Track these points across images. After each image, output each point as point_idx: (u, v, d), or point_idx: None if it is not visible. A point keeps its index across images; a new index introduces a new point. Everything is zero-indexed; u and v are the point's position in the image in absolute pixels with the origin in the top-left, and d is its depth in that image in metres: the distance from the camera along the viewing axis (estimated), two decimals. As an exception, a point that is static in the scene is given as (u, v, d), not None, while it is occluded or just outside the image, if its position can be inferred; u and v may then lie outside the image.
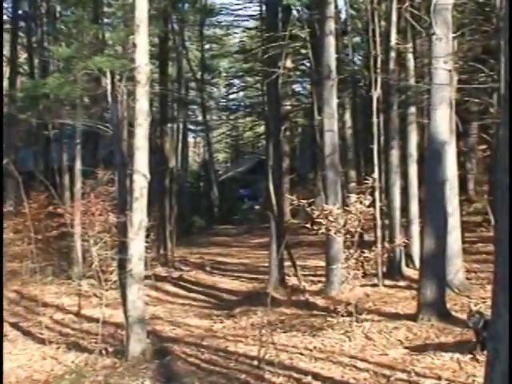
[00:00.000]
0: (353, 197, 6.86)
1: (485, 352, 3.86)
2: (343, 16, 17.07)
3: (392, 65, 10.27)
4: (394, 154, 10.41)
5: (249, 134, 35.90)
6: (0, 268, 7.27)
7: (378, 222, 9.63)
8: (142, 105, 6.49)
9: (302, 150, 37.51)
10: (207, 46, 30.03)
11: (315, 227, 6.80)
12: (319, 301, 8.75)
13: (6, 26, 17.15)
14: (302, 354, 6.10)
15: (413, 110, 10.82)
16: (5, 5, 16.79)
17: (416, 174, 10.58)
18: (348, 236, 6.82)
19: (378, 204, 9.24)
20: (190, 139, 47.07)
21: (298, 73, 24.53)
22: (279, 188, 10.80)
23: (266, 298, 6.45)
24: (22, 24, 18.82)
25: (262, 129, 31.07)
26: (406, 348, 6.09)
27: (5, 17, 16.86)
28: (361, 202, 6.71)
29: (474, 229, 13.22)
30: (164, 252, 14.07)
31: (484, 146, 16.94)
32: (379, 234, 9.61)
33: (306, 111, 25.76)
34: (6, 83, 16.85)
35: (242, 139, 36.40)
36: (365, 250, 6.80)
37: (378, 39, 10.03)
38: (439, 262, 7.09)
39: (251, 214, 28.30)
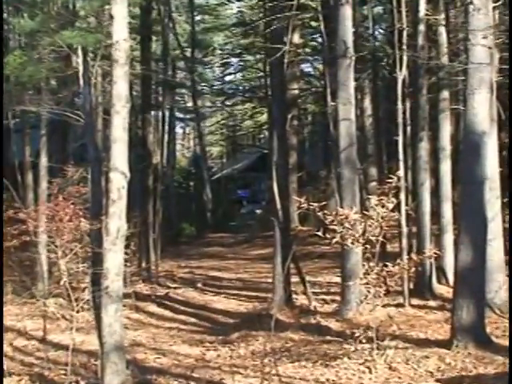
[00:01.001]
0: (373, 199, 6.85)
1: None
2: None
3: (421, 40, 10.27)
4: (423, 148, 10.42)
5: (248, 124, 35.93)
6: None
7: (404, 230, 9.64)
8: (120, 88, 6.49)
9: (312, 143, 37.60)
10: (198, 18, 30.06)
11: (328, 235, 6.80)
12: (333, 324, 8.75)
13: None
14: (312, 387, 6.11)
15: (446, 94, 10.82)
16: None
17: (449, 172, 10.59)
18: (368, 246, 6.81)
19: (403, 208, 9.25)
20: (178, 130, 47.28)
21: (307, 50, 24.53)
22: (285, 188, 10.81)
23: (269, 321, 6.45)
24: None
25: (264, 117, 31.13)
26: (438, 381, 6.08)
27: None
28: (383, 206, 6.70)
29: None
30: (147, 265, 14.09)
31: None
32: (405, 243, 9.62)
33: (317, 96, 25.79)
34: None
35: (240, 130, 36.45)
36: (388, 263, 6.80)
37: (403, 9, 9.98)
38: (477, 277, 7.08)
39: (251, 220, 28.35)
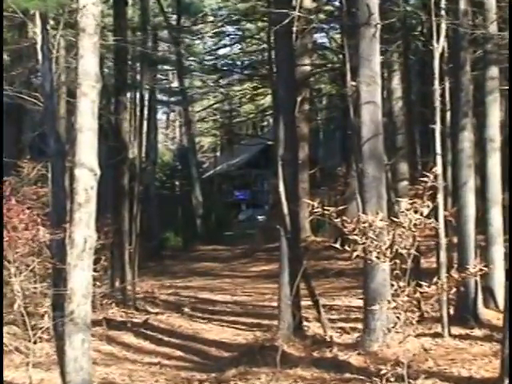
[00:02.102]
0: (404, 202, 6.85)
1: None
2: None
3: (463, 4, 10.27)
4: (466, 139, 10.40)
5: (248, 109, 36.00)
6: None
7: (442, 241, 9.62)
8: (88, 64, 6.50)
9: (327, 133, 37.71)
10: (186, -24, 30.11)
11: (348, 248, 6.79)
12: (354, 359, 8.74)
13: None
14: None
15: (494, 71, 10.80)
16: None
17: (499, 169, 10.58)
18: (397, 261, 6.81)
19: (441, 213, 9.24)
20: (161, 116, 47.51)
21: (321, 16, 24.49)
22: (294, 189, 10.81)
23: (274, 355, 6.45)
24: None
25: (267, 100, 31.20)
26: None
27: None
28: (416, 211, 6.69)
29: None
30: (121, 285, 14.11)
31: None
32: (444, 257, 9.61)
33: (333, 74, 25.84)
34: None
35: (237, 116, 36.50)
36: (422, 283, 6.80)
37: (441, -35, 10.01)
38: (534, 300, 7.07)
39: (251, 229, 28.44)
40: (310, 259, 17.32)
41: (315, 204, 6.79)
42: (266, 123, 44.32)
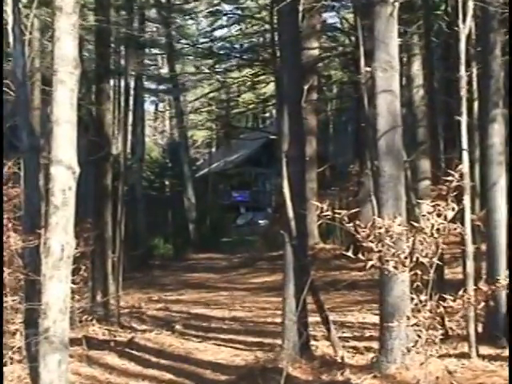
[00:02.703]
0: (426, 205, 6.84)
1: None
2: None
3: (492, -21, 10.25)
4: (497, 132, 10.39)
5: (248, 98, 35.95)
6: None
7: (469, 248, 9.61)
8: (66, 48, 6.49)
9: (338, 126, 37.70)
10: None
11: (362, 256, 6.79)
12: (368, 382, 8.73)
13: None
14: None
15: (528, 55, 10.80)
16: None
17: (534, 166, 10.57)
18: (418, 272, 6.81)
19: (468, 217, 9.24)
20: (149, 107, 47.50)
21: (331, -8, 24.55)
22: (300, 190, 10.81)
23: (277, 378, 6.44)
24: None
25: (270, 89, 31.21)
26: None
27: None
28: (439, 214, 6.68)
29: None
30: (104, 299, 14.10)
31: None
32: (471, 267, 9.60)
33: (345, 59, 25.82)
34: None
35: (236, 106, 36.50)
36: (446, 296, 6.79)
37: None
38: None
39: (252, 235, 28.45)
40: (319, 269, 17.35)
41: (324, 206, 6.79)
42: (268, 114, 44.35)
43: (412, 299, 6.93)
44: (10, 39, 8.08)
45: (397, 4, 9.29)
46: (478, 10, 10.31)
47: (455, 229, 6.98)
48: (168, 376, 10.41)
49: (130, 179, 23.12)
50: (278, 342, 10.28)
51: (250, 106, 35.56)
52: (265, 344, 11.15)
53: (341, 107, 33.94)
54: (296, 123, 10.77)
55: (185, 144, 30.52)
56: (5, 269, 7.76)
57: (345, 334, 11.13)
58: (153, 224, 26.42)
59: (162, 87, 35.43)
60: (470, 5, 9.89)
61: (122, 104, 20.04)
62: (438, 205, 6.72)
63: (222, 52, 31.29)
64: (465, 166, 8.65)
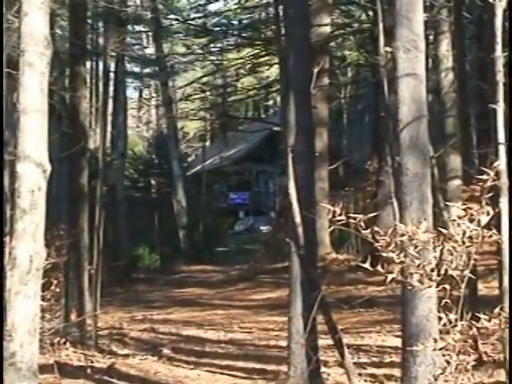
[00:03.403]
0: (456, 208, 6.84)
1: None
2: None
3: None
4: (539, 123, 10.40)
5: (247, 83, 35.99)
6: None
7: (506, 259, 9.60)
8: (35, 25, 6.50)
9: (354, 116, 37.69)
10: None
11: (381, 269, 6.80)
12: (389, 416, 8.75)
13: None
14: None
15: None
16: None
17: None
18: (446, 286, 6.80)
19: (505, 223, 9.21)
20: (131, 93, 47.39)
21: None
22: (309, 190, 10.81)
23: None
24: None
25: (273, 72, 31.20)
26: None
27: None
28: (472, 220, 6.68)
29: None
30: (79, 318, 14.11)
31: None
32: (507, 282, 9.58)
33: (361, 37, 25.82)
34: None
35: (233, 93, 36.53)
36: (480, 315, 6.79)
37: None
38: None
39: (252, 243, 28.44)
40: (331, 284, 17.36)
41: (337, 210, 6.79)
42: (271, 102, 44.35)
43: (440, 319, 6.92)
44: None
45: (422, -27, 9.32)
46: (517, -21, 10.32)
47: (490, 236, 6.98)
48: (154, 408, 10.42)
49: (109, 178, 23.11)
50: (284, 368, 10.28)
51: (251, 93, 35.64)
52: (268, 371, 11.15)
53: (356, 94, 33.96)
54: (304, 113, 10.78)
55: (174, 137, 30.49)
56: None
57: (361, 360, 11.12)
58: (137, 231, 26.40)
59: (147, 70, 35.43)
60: (508, -26, 9.91)
61: (101, 90, 20.11)
62: (470, 208, 6.71)
63: (217, 29, 31.24)
64: (502, 163, 8.62)
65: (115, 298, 17.97)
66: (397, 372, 9.56)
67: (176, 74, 34.69)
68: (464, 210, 6.72)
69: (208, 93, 36.11)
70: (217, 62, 33.36)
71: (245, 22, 32.12)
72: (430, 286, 6.85)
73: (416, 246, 6.72)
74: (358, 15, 27.09)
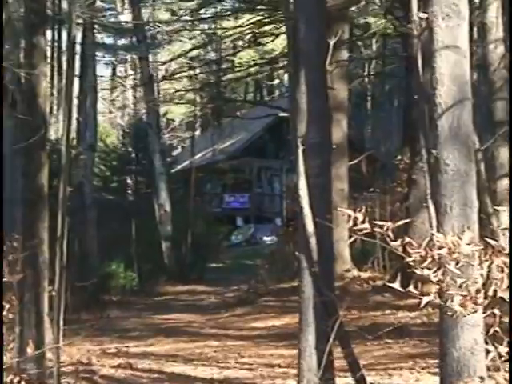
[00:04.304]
0: (507, 213, 6.85)
1: None
2: None
3: None
4: None
5: (248, 58, 36.01)
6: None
7: None
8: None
9: (380, 99, 37.62)
10: None
11: (414, 290, 6.81)
12: None
13: None
14: None
15: None
16: None
17: None
18: (495, 312, 6.82)
19: None
20: (102, 70, 47.25)
21: None
22: (324, 192, 10.83)
23: None
24: None
25: (279, 44, 31.17)
26: None
27: None
28: (528, 228, 6.70)
29: None
30: (37, 352, 14.11)
31: None
32: None
33: (389, 0, 25.80)
34: None
35: (229, 70, 36.55)
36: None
37: None
38: None
39: (253, 257, 28.43)
40: (351, 308, 17.34)
41: (359, 216, 6.79)
42: (276, 82, 44.37)
43: (487, 352, 6.94)
44: None
45: None
46: None
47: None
48: None
49: (76, 176, 23.13)
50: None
51: (251, 70, 35.57)
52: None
53: (383, 71, 33.97)
54: (318, 95, 10.79)
55: (156, 125, 30.46)
56: None
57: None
58: (109, 242, 26.40)
59: (122, 42, 35.47)
60: None
61: (64, 67, 20.10)
62: (526, 215, 6.74)
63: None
64: None
65: (82, 326, 17.94)
66: (434, 418, 9.59)
67: (158, 46, 34.63)
68: (518, 216, 6.75)
69: (198, 70, 36.10)
70: (209, 31, 33.37)
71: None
72: (475, 311, 6.86)
73: (458, 262, 6.73)
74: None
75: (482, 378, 7.03)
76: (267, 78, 40.70)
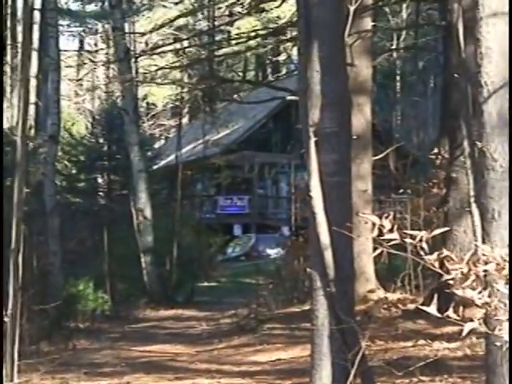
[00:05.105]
0: None
1: None
2: None
3: None
4: None
5: (247, 28, 36.05)
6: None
7: None
8: None
9: (411, 79, 37.68)
10: None
11: (453, 314, 6.84)
12: None
13: None
14: None
15: None
16: None
17: None
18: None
19: None
20: (67, 43, 47.08)
21: None
22: (341, 193, 10.85)
23: None
24: None
25: (286, 10, 31.22)
26: None
27: None
28: None
29: None
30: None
31: None
32: None
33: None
34: None
35: (225, 43, 36.60)
36: None
37: None
38: None
39: (254, 275, 28.43)
40: (376, 338, 17.36)
41: (386, 224, 6.81)
42: (283, 57, 44.43)
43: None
44: None
45: None
46: None
47: None
48: None
49: (34, 174, 23.14)
50: None
51: (252, 43, 35.57)
52: None
53: (416, 44, 33.99)
54: (334, 73, 10.80)
55: (133, 111, 30.46)
56: None
57: None
58: (76, 256, 26.44)
59: (91, 8, 35.50)
60: None
61: (20, 39, 20.11)
62: None
63: None
64: None
65: (42, 360, 17.96)
66: None
67: (137, 13, 34.70)
68: None
69: (186, 43, 36.15)
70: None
71: None
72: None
73: (508, 280, 6.75)
74: None
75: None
76: (272, 53, 40.71)
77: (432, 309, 7.05)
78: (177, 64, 35.06)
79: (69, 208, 29.81)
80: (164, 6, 35.85)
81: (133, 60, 32.06)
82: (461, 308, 6.80)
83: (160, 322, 24.63)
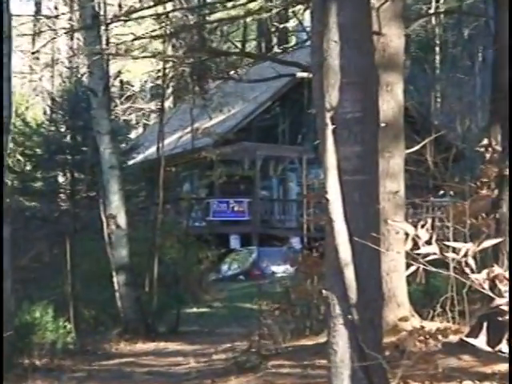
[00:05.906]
0: None
1: None
2: None
3: None
4: None
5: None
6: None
7: None
8: None
9: (452, 53, 37.81)
10: None
11: (506, 349, 6.91)
12: None
13: None
14: None
15: None
16: None
17: None
18: None
19: None
20: (21, 5, 47.30)
21: None
22: (365, 195, 10.87)
23: None
24: None
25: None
26: None
27: None
28: None
29: None
30: None
31: None
32: None
33: None
34: None
35: (218, 6, 36.73)
36: None
37: None
38: None
39: (255, 299, 28.48)
40: (410, 378, 17.42)
41: (423, 234, 6.83)
42: (292, 24, 44.52)
43: None
44: None
45: None
46: None
47: None
48: None
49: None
50: None
51: (251, 6, 35.64)
52: None
53: (460, 8, 34.10)
54: (357, 45, 10.83)
55: (103, 92, 30.50)
56: None
57: None
58: (30, 275, 26.49)
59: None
60: None
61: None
62: None
63: None
64: None
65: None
66: None
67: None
68: None
69: (170, 5, 36.20)
70: None
71: None
72: None
73: None
74: None
75: None
76: (278, 19, 40.82)
77: (480, 341, 7.10)
78: (158, 32, 35.13)
79: (22, 214, 29.85)
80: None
81: (103, 27, 32.11)
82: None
83: (137, 358, 24.62)
